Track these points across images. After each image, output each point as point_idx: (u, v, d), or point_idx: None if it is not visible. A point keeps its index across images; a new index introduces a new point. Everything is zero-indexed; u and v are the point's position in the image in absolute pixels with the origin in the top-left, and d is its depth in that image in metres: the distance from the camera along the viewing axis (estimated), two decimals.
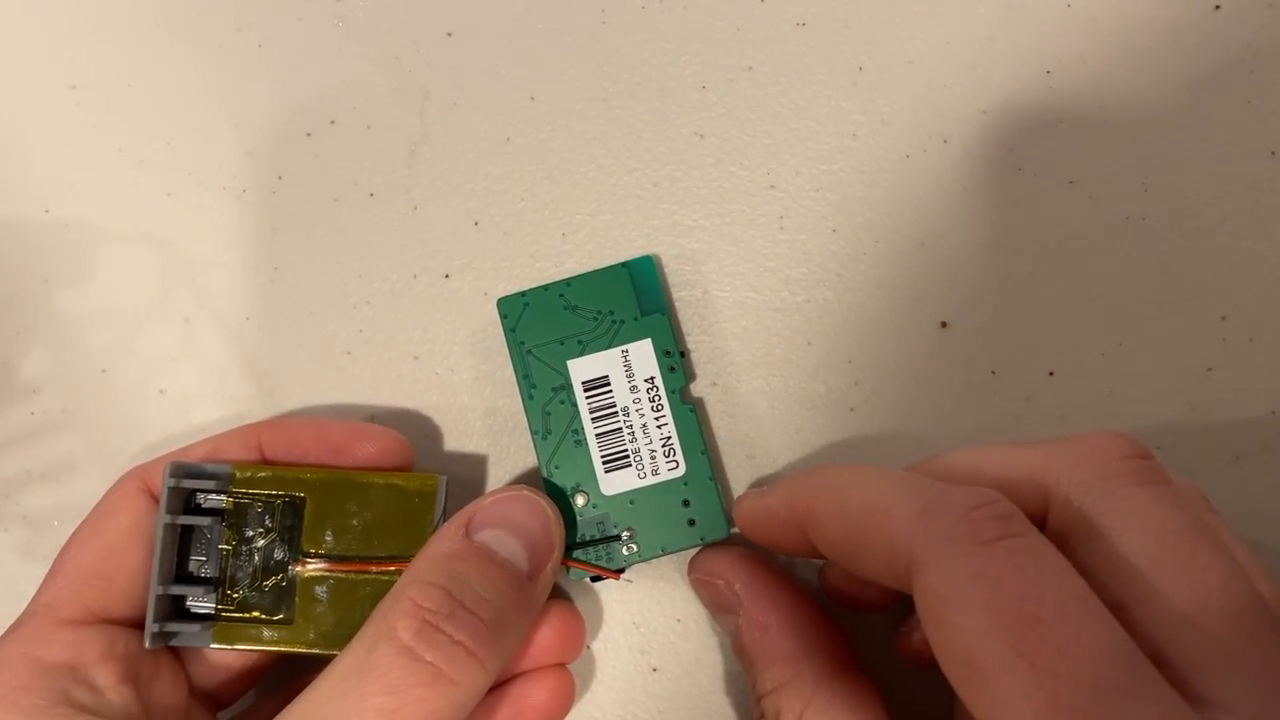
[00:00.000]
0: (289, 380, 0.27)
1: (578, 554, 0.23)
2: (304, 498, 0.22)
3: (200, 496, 0.22)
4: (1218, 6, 0.26)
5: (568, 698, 0.23)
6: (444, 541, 0.21)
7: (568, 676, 0.23)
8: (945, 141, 0.26)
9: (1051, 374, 0.25)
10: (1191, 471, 0.24)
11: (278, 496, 0.22)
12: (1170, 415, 0.25)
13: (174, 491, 0.22)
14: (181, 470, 0.22)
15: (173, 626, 0.21)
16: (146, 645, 0.21)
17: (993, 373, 0.25)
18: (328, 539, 0.22)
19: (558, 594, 0.25)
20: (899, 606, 0.22)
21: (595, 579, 0.24)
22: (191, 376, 0.27)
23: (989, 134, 0.26)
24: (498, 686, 0.22)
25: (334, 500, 0.22)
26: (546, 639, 0.22)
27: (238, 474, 0.22)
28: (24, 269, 0.28)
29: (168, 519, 0.21)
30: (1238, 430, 0.25)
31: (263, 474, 0.22)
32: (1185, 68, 0.26)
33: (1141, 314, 0.25)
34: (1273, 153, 0.25)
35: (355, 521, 0.22)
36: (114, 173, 0.28)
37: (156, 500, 0.22)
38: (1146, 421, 0.25)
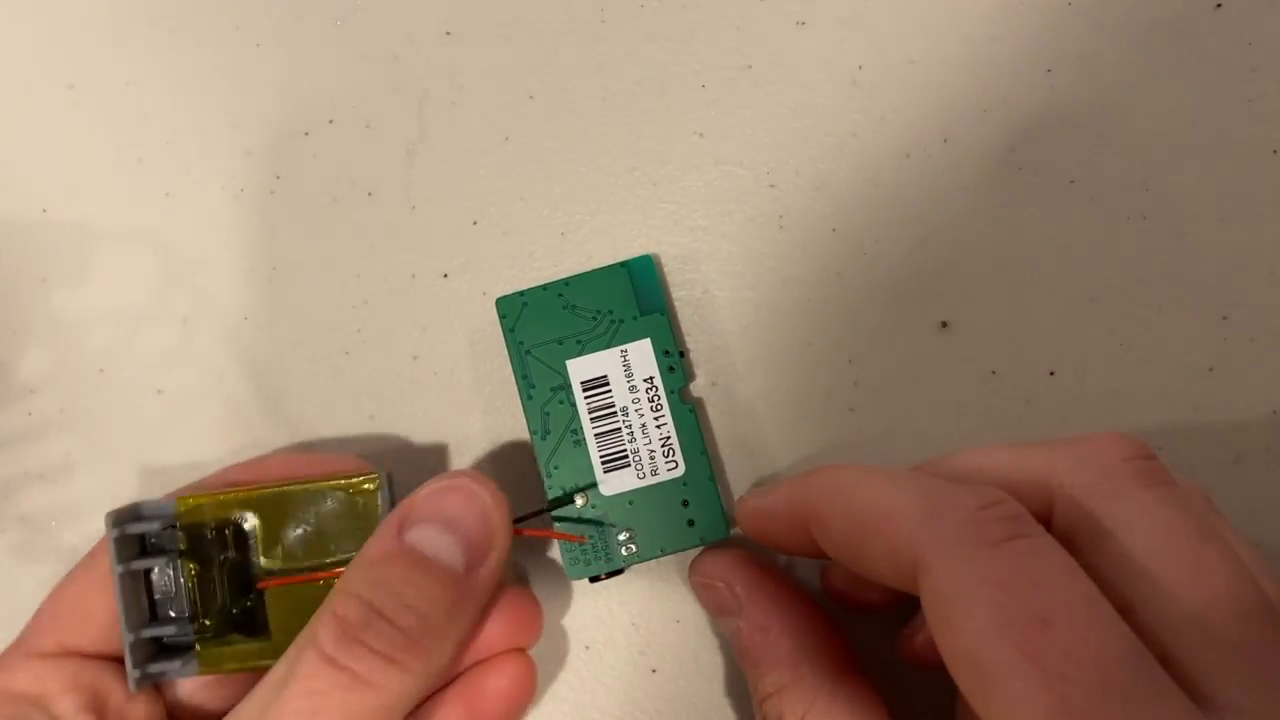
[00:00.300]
0: (287, 380, 0.26)
1: (572, 570, 0.23)
2: (250, 515, 0.22)
3: (153, 536, 0.22)
4: (1219, 5, 0.26)
5: (529, 683, 0.23)
6: (375, 543, 0.20)
7: (527, 661, 0.23)
8: (946, 141, 0.26)
9: (1052, 374, 0.25)
10: (1193, 472, 0.24)
11: (226, 520, 0.22)
12: (1171, 415, 0.25)
13: (120, 540, 0.21)
14: (125, 516, 0.22)
15: (154, 667, 0.21)
16: (132, 690, 0.21)
17: (993, 373, 0.25)
18: (284, 551, 0.22)
19: (533, 581, 0.25)
20: (901, 608, 0.22)
21: (594, 579, 0.24)
22: (189, 376, 0.27)
23: (989, 133, 0.26)
24: (454, 676, 0.22)
25: (281, 513, 0.22)
26: (498, 626, 0.22)
27: (181, 507, 0.22)
28: (22, 268, 0.27)
29: (120, 569, 0.21)
30: (1239, 430, 0.24)
31: (205, 501, 0.22)
32: (1186, 67, 0.26)
33: (1142, 314, 0.25)
34: (1274, 151, 0.25)
35: (307, 529, 0.22)
36: (112, 172, 0.28)
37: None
38: (1148, 421, 0.25)
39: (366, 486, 0.22)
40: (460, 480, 0.21)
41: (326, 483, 0.22)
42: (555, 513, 0.24)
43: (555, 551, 0.25)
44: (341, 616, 0.19)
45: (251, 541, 0.22)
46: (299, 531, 0.22)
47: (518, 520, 0.22)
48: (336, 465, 0.23)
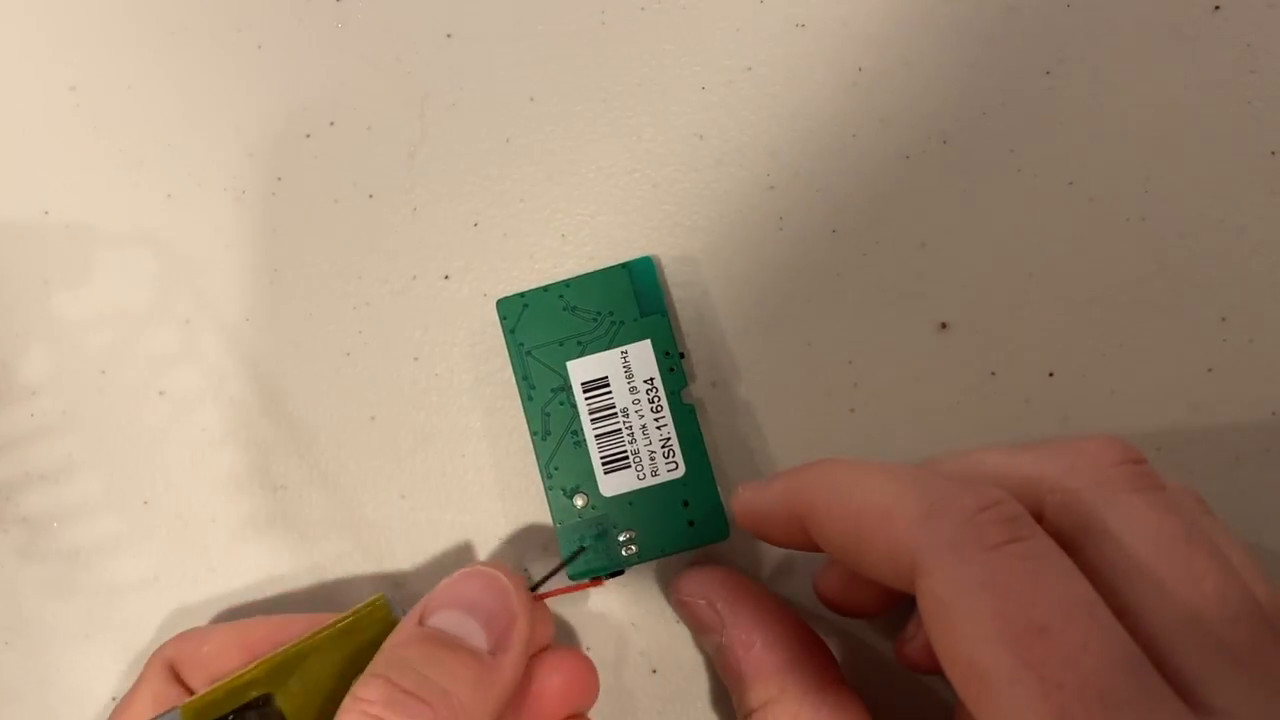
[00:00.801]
0: (289, 382, 0.27)
1: (573, 568, 0.23)
2: (269, 693, 0.21)
3: None
4: (1217, 7, 0.26)
5: None
6: (395, 634, 0.20)
7: None
8: (945, 142, 0.26)
9: (1051, 375, 0.25)
10: (1192, 473, 0.24)
11: (245, 707, 0.21)
12: (1171, 416, 0.25)
13: None
14: None
15: None
16: None
17: (993, 374, 0.25)
18: (317, 706, 0.21)
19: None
20: (897, 612, 0.22)
21: (596, 579, 0.24)
22: (191, 378, 0.27)
23: (988, 134, 0.26)
24: None
25: (298, 673, 0.21)
26: (555, 688, 0.22)
27: (188, 714, 0.21)
28: (24, 270, 0.28)
29: None
30: (1238, 431, 0.25)
31: (215, 696, 0.21)
32: (1185, 68, 0.26)
33: (1142, 315, 0.25)
34: (1273, 153, 0.25)
35: (335, 681, 0.21)
36: (114, 174, 0.28)
37: (179, 682, 0.22)
38: (1147, 423, 0.25)
39: (375, 615, 0.21)
40: (477, 567, 0.21)
41: (332, 627, 0.21)
42: (561, 521, 0.24)
43: (553, 551, 0.25)
44: (362, 698, 0.19)
45: (279, 711, 0.21)
46: (325, 685, 0.21)
47: (534, 586, 0.22)
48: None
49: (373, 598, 0.22)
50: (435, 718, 0.19)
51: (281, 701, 0.20)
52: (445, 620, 0.20)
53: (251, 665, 0.21)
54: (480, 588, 0.21)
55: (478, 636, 0.20)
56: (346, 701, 0.19)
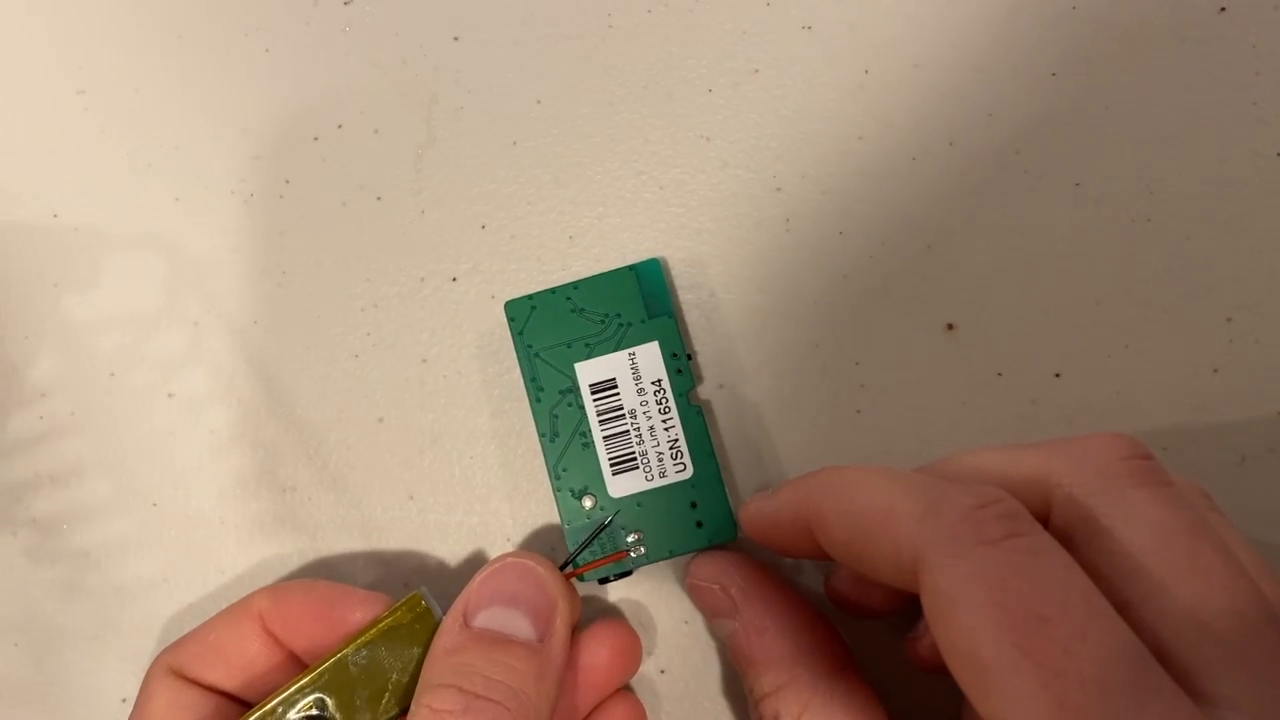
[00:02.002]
0: (296, 383, 0.27)
1: (583, 556, 0.23)
2: (321, 698, 0.21)
3: None
4: (1223, 9, 0.26)
5: None
6: (445, 637, 0.21)
7: (639, 706, 0.23)
8: (951, 144, 0.26)
9: (1058, 376, 0.25)
10: (1198, 472, 0.24)
11: (300, 715, 0.21)
12: (1176, 416, 0.25)
13: None
14: None
15: None
16: None
17: (999, 374, 0.25)
18: (369, 707, 0.21)
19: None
20: (907, 612, 0.22)
21: (604, 580, 0.24)
22: (199, 380, 0.27)
23: (995, 136, 0.26)
24: None
25: (345, 676, 0.21)
26: (602, 658, 0.23)
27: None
28: (33, 273, 0.28)
29: None
30: (1244, 431, 0.25)
31: (268, 705, 0.21)
32: (1190, 70, 0.26)
33: (1147, 315, 0.25)
34: (1278, 154, 0.25)
35: (382, 680, 0.21)
36: (122, 177, 0.28)
37: (187, 680, 0.22)
38: (1153, 423, 0.25)
39: (417, 611, 0.22)
40: (510, 560, 0.22)
41: (374, 627, 0.22)
42: (569, 522, 0.24)
43: (561, 552, 0.25)
44: (438, 710, 0.19)
45: (333, 716, 0.21)
46: (377, 685, 0.21)
47: (561, 566, 0.23)
48: (357, 601, 0.23)
49: (410, 594, 0.22)
50: (510, 714, 0.19)
51: (334, 705, 0.21)
52: (492, 619, 0.21)
53: (301, 673, 0.21)
54: (517, 579, 0.21)
55: (525, 629, 0.21)
56: (423, 713, 0.19)
